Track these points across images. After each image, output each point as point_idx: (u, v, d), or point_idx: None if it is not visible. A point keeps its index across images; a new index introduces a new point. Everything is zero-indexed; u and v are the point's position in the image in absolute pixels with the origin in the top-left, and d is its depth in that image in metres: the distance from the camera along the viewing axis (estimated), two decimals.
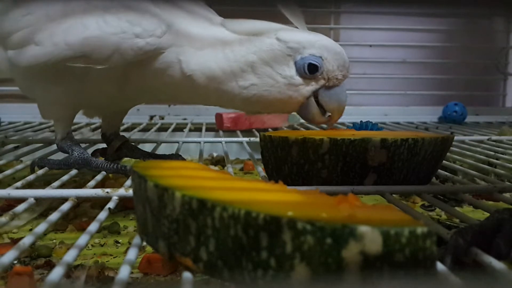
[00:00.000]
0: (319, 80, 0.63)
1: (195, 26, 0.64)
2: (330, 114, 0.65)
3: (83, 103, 0.73)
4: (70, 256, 0.37)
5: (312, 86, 0.63)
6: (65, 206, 0.51)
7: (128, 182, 0.62)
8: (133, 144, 0.84)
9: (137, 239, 0.41)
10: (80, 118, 0.84)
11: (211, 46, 0.63)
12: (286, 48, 0.62)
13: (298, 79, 0.62)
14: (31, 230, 0.74)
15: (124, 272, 0.35)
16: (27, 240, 0.40)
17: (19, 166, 0.74)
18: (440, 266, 0.35)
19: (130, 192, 0.54)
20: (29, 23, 0.62)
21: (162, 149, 0.95)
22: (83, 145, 0.86)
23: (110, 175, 0.87)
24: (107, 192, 0.55)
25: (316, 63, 0.62)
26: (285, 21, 0.65)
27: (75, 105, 0.72)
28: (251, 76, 0.62)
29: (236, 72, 0.62)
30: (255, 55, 0.62)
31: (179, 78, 0.64)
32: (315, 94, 0.64)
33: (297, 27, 0.65)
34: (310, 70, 0.62)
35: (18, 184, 0.60)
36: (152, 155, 0.81)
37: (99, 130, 0.86)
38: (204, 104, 0.72)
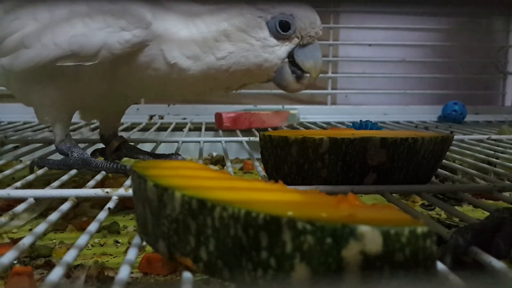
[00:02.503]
0: (293, 39, 0.64)
1: (172, 16, 0.63)
2: (307, 74, 0.65)
3: (77, 103, 0.73)
4: (70, 256, 0.37)
5: (287, 46, 0.64)
6: (65, 206, 0.51)
7: (128, 182, 0.62)
8: (132, 144, 0.84)
9: (137, 239, 0.40)
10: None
11: (186, 25, 0.63)
12: (255, 10, 0.62)
13: (273, 40, 0.63)
14: (30, 230, 0.74)
15: (124, 272, 0.35)
16: (27, 240, 0.40)
17: (19, 166, 0.73)
18: (440, 265, 0.35)
19: (130, 192, 0.54)
20: (17, 27, 0.62)
21: (162, 149, 0.95)
22: (82, 145, 0.86)
23: (110, 175, 0.87)
24: (107, 192, 0.55)
25: (288, 21, 0.62)
26: None
27: (70, 106, 0.71)
28: (226, 45, 0.62)
29: (210, 43, 0.62)
30: (226, 21, 0.62)
31: (164, 69, 0.64)
32: (290, 54, 0.65)
33: None
34: (283, 28, 0.63)
35: (18, 184, 0.60)
36: (152, 155, 0.81)
37: (99, 129, 0.86)
38: (192, 94, 0.71)
